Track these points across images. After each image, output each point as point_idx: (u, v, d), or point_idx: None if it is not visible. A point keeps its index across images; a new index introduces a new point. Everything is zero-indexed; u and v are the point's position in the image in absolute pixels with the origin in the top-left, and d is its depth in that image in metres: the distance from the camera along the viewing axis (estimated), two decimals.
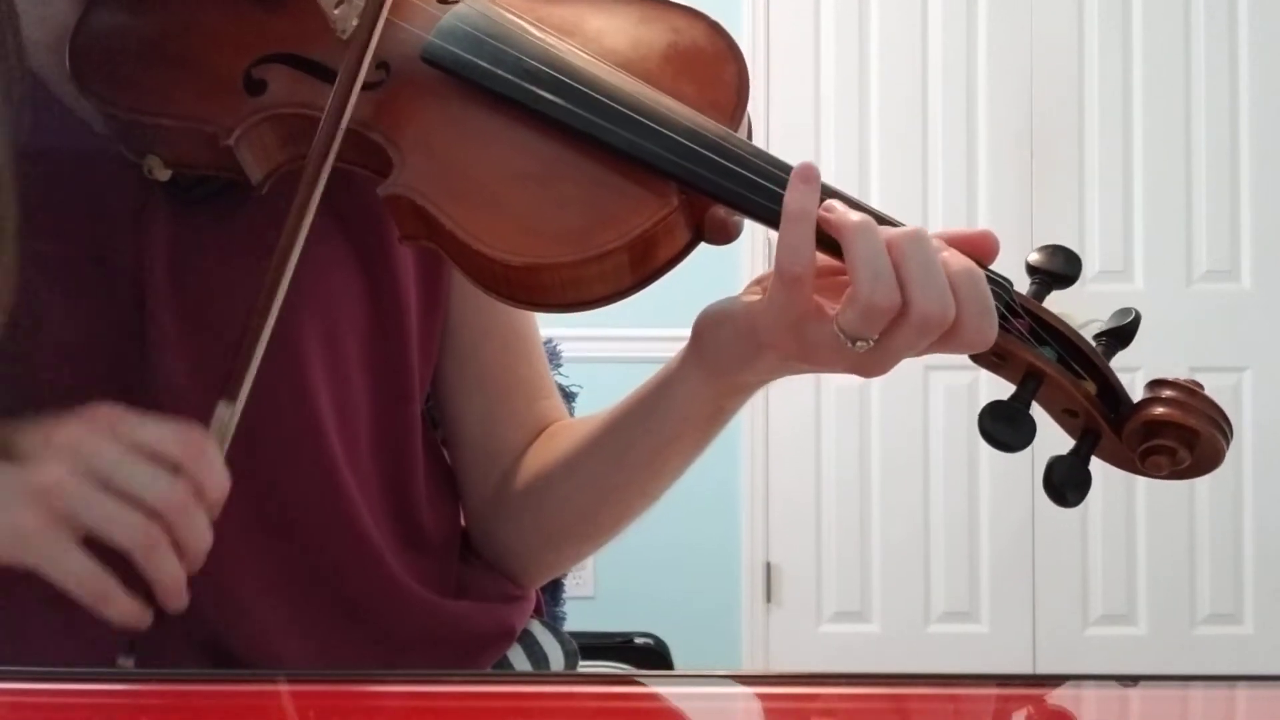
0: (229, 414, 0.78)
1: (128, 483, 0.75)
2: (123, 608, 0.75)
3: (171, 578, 0.75)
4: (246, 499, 0.90)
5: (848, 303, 0.75)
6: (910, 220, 0.79)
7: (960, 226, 0.81)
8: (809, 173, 0.76)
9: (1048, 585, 3.61)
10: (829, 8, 3.64)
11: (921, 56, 3.64)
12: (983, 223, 3.52)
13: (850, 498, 3.61)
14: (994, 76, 3.63)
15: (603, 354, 2.69)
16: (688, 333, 0.86)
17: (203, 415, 0.88)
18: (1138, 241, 3.62)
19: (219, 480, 0.77)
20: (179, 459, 0.76)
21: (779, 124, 3.51)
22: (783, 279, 0.76)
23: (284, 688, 0.70)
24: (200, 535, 0.76)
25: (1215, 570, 3.60)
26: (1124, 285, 3.58)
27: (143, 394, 0.87)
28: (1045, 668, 3.59)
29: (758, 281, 0.85)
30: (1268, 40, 3.61)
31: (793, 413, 3.56)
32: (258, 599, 0.91)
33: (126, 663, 0.78)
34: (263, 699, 0.64)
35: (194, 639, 0.89)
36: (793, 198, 0.75)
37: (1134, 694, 0.67)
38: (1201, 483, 3.55)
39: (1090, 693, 0.66)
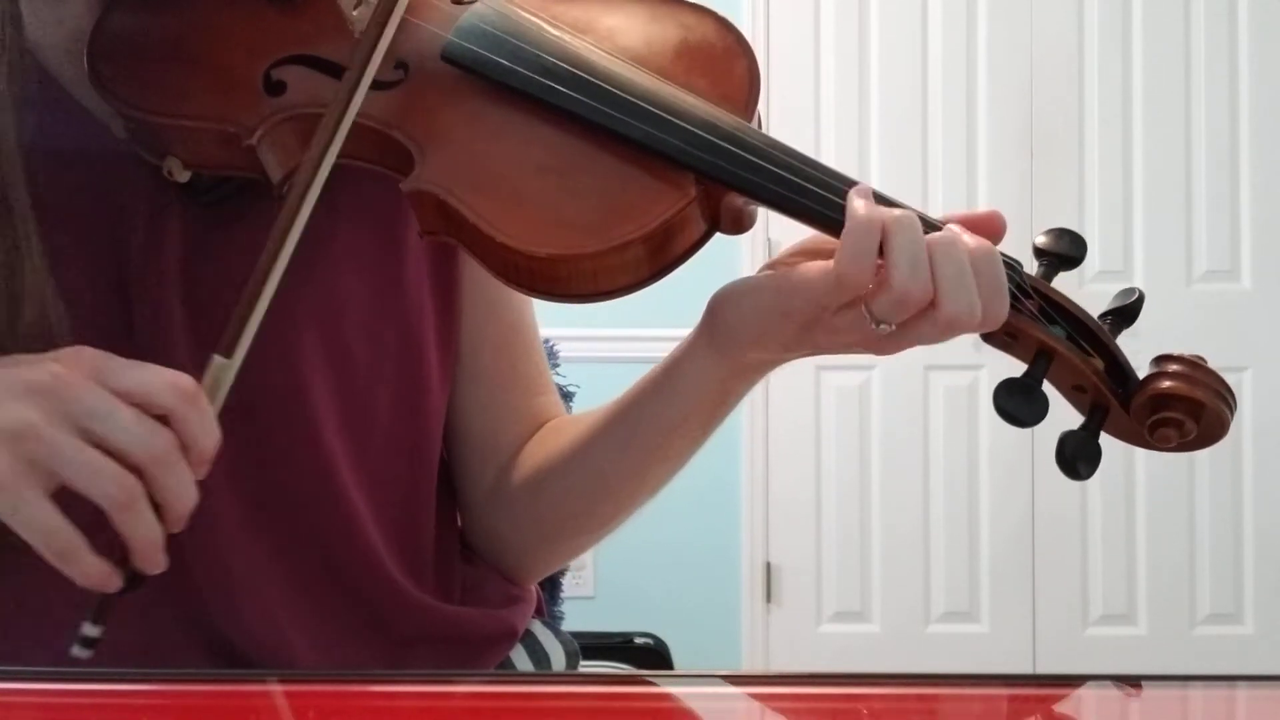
0: (224, 369, 0.74)
1: (107, 432, 0.68)
2: (88, 568, 0.69)
3: (148, 538, 0.69)
4: (246, 502, 0.90)
5: (881, 288, 0.77)
6: None
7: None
8: (868, 190, 0.79)
9: (1048, 585, 3.61)
10: (829, 8, 3.64)
11: (921, 56, 3.64)
12: None
13: (850, 498, 3.61)
14: (994, 76, 3.63)
15: (601, 354, 2.69)
16: (686, 333, 0.87)
17: None
18: (1138, 241, 3.62)
19: (208, 434, 0.71)
20: (166, 409, 0.70)
21: (779, 124, 3.51)
22: (841, 280, 0.77)
23: (285, 688, 0.69)
24: (183, 492, 0.70)
25: (1215, 570, 3.60)
26: (1124, 285, 3.57)
27: None
28: (1045, 668, 3.59)
29: (770, 266, 0.86)
30: (1268, 40, 3.61)
31: (793, 413, 3.56)
32: (263, 603, 0.90)
33: (93, 631, 0.71)
34: (264, 699, 0.64)
35: (197, 639, 0.89)
36: (858, 206, 0.78)
37: (1134, 694, 0.67)
38: (1201, 482, 3.56)
39: (1090, 693, 0.66)
